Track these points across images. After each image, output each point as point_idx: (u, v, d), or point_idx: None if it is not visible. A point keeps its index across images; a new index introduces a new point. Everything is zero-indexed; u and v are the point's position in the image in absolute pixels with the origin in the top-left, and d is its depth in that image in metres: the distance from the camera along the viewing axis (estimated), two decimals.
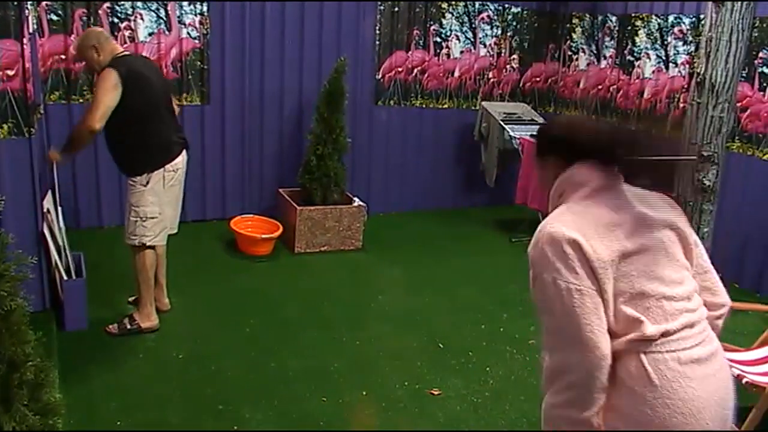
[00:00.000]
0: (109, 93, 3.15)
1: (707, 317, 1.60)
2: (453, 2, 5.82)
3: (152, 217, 3.39)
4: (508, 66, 6.30)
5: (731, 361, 2.99)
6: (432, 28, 5.80)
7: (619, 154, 1.65)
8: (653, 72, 5.47)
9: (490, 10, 6.03)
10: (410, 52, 5.78)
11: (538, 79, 6.53)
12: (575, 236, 1.48)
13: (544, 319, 1.54)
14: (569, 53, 6.44)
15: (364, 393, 3.11)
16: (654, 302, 1.49)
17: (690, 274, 1.61)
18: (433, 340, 3.67)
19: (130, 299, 3.79)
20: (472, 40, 6.02)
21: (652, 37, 5.47)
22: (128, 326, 3.50)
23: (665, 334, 1.47)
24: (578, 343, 1.45)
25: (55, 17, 4.52)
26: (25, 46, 3.28)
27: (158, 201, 3.38)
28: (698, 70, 4.68)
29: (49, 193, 3.86)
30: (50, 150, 3.66)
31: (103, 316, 3.61)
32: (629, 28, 5.68)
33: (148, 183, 3.34)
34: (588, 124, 1.71)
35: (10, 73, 3.26)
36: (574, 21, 6.35)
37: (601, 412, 1.50)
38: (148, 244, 3.43)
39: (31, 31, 3.73)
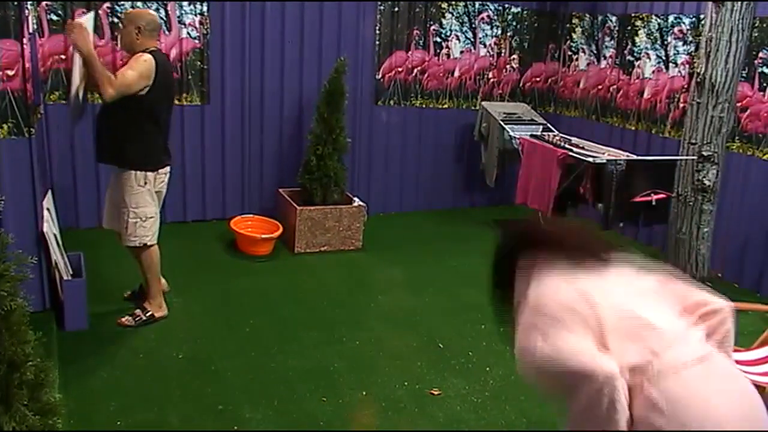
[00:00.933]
0: (140, 78, 3.22)
1: (718, 331, 1.59)
2: (453, 2, 5.82)
3: (150, 217, 3.45)
4: (508, 66, 6.29)
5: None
6: (432, 28, 5.80)
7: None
8: (653, 72, 5.47)
9: (490, 10, 6.03)
10: (410, 52, 5.78)
11: (538, 79, 6.53)
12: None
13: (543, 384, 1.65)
14: (569, 53, 6.44)
15: (364, 393, 3.11)
16: (639, 330, 1.51)
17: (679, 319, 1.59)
18: (433, 340, 3.67)
19: (126, 294, 3.84)
20: (472, 40, 6.02)
21: (652, 37, 5.47)
22: (143, 317, 3.58)
23: (656, 354, 1.47)
24: (579, 384, 1.45)
25: (55, 17, 4.52)
26: (25, 46, 3.28)
27: (153, 201, 3.46)
28: (698, 70, 4.68)
29: (49, 193, 3.86)
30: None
31: (103, 316, 3.62)
32: (629, 28, 5.68)
33: (146, 183, 3.38)
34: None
35: (10, 73, 3.25)
36: (574, 21, 6.35)
37: None
38: (149, 243, 3.48)
39: (31, 31, 3.73)
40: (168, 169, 3.54)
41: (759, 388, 2.77)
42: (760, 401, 1.51)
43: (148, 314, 3.59)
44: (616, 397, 1.41)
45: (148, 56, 3.27)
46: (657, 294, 1.60)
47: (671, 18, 5.30)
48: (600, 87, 6.04)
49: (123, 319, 3.56)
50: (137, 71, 3.22)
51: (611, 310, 1.52)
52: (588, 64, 6.19)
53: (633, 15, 5.65)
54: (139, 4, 4.72)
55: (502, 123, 5.63)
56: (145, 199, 3.39)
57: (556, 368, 1.47)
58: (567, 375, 1.45)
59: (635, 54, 5.64)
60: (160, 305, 3.65)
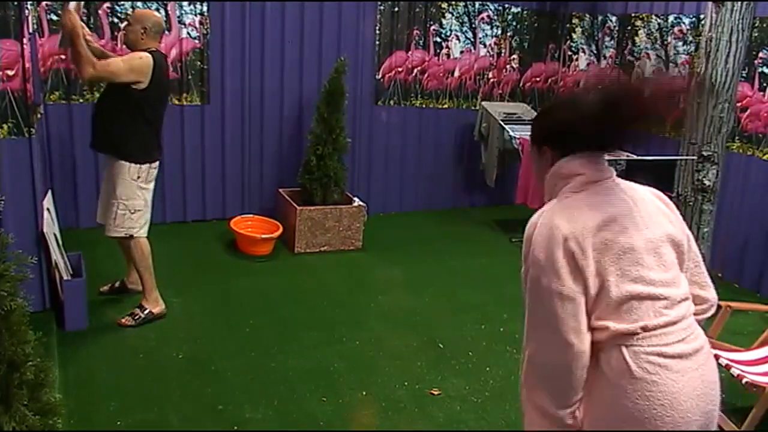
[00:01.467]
0: (129, 71, 3.30)
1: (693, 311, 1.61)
2: (453, 2, 5.82)
3: (139, 210, 3.52)
4: (508, 66, 6.29)
5: (731, 361, 3.00)
6: (432, 28, 5.80)
7: (613, 138, 1.61)
8: (653, 72, 5.46)
9: (490, 10, 6.03)
10: (410, 52, 5.78)
11: (538, 79, 6.53)
12: (564, 233, 1.49)
13: (527, 307, 1.62)
14: (569, 53, 6.44)
15: (364, 393, 3.11)
16: (636, 302, 1.49)
17: (679, 275, 1.60)
18: (433, 340, 3.67)
19: (103, 289, 3.89)
20: (472, 40, 6.02)
21: (652, 37, 5.47)
22: (142, 315, 3.60)
23: (646, 329, 1.48)
24: (554, 342, 1.50)
25: (55, 17, 4.51)
26: (25, 46, 3.28)
27: (143, 194, 3.52)
28: (698, 70, 4.68)
29: (49, 193, 3.86)
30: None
31: (103, 316, 3.62)
32: (629, 28, 5.68)
33: (138, 178, 3.45)
34: (581, 111, 1.60)
35: (10, 73, 3.26)
36: (574, 21, 6.35)
37: (581, 406, 1.53)
38: (135, 235, 3.54)
39: (31, 31, 3.73)
40: (158, 164, 3.62)
41: (759, 388, 2.78)
42: (717, 386, 1.58)
43: (146, 312, 3.61)
44: (574, 367, 1.49)
45: (145, 54, 3.36)
46: (664, 245, 1.59)
47: (671, 18, 5.30)
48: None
49: (123, 320, 3.57)
50: (128, 64, 3.32)
51: (620, 251, 1.51)
52: (588, 64, 6.19)
53: (633, 15, 5.65)
54: (139, 4, 4.72)
55: (502, 123, 5.63)
56: (134, 192, 3.47)
57: (542, 326, 1.54)
58: (548, 335, 1.52)
59: (635, 54, 5.64)
60: (156, 300, 3.68)
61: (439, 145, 6.12)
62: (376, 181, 5.90)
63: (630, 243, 1.51)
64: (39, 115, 3.89)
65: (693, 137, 4.72)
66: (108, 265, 4.21)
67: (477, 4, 5.94)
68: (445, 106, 6.06)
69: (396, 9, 5.63)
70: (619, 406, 1.47)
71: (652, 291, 1.50)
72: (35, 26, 4.26)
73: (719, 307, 3.27)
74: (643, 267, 1.51)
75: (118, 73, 3.29)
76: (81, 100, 4.70)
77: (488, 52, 6.13)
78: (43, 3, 4.47)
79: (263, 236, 4.75)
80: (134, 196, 3.47)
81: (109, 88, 3.46)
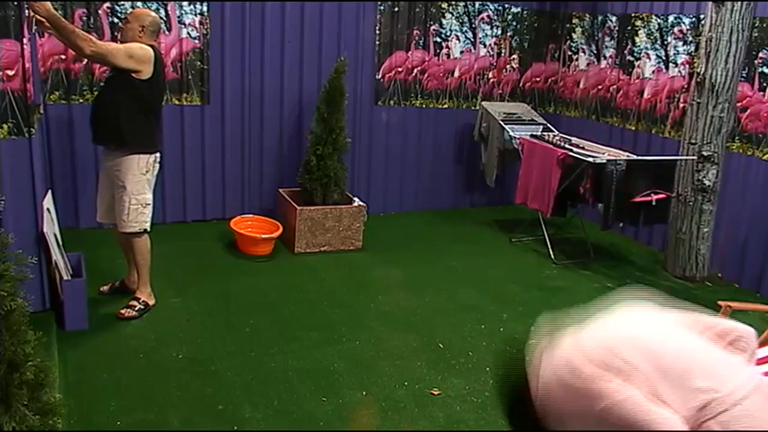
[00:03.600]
0: (126, 57, 3.37)
1: (749, 355, 1.58)
2: (453, 2, 5.82)
3: (149, 204, 3.58)
4: (508, 66, 6.30)
5: None
6: (432, 28, 5.80)
7: None
8: (653, 72, 5.47)
9: (490, 10, 6.03)
10: (410, 52, 5.78)
11: (538, 79, 6.53)
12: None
13: None
14: (569, 53, 6.44)
15: (364, 393, 3.11)
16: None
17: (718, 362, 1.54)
18: (433, 340, 3.67)
19: (103, 288, 3.89)
20: (472, 40, 6.02)
21: (652, 37, 5.47)
22: (140, 306, 3.67)
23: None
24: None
25: None
26: (25, 46, 3.28)
27: (150, 188, 3.59)
28: (698, 70, 4.68)
29: (49, 193, 3.86)
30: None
31: (103, 316, 3.62)
32: (629, 28, 5.68)
33: (147, 172, 3.51)
34: None
35: (10, 73, 3.25)
36: (574, 21, 6.35)
37: None
38: (148, 229, 3.61)
39: (31, 31, 3.73)
40: (159, 155, 3.66)
41: None
42: None
43: (143, 302, 3.68)
44: None
45: (145, 45, 3.44)
46: (687, 327, 1.56)
47: (671, 18, 5.30)
48: (600, 87, 6.05)
49: (123, 311, 3.61)
50: (127, 51, 3.38)
51: (655, 359, 1.49)
52: (588, 64, 6.19)
53: (633, 15, 5.65)
54: (139, 3, 4.72)
55: (502, 123, 5.64)
56: (144, 186, 3.52)
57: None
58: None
59: (635, 54, 5.64)
60: (150, 294, 3.74)
61: (439, 145, 6.12)
62: (376, 181, 5.90)
63: (654, 348, 1.49)
64: (39, 115, 3.88)
65: (693, 137, 4.72)
66: (108, 265, 4.21)
67: (477, 4, 5.94)
68: (445, 106, 6.06)
69: (396, 9, 5.63)
70: None
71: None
72: (35, 26, 4.25)
73: (719, 307, 3.27)
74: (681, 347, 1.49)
75: (116, 54, 3.35)
76: (81, 100, 4.70)
77: (488, 52, 6.13)
78: None
79: (263, 236, 4.75)
80: (144, 189, 3.53)
81: (111, 81, 3.50)
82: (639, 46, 5.59)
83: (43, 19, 3.28)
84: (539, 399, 1.56)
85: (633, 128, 5.68)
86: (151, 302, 3.73)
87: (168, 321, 3.66)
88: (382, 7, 5.57)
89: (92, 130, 3.58)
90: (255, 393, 3.03)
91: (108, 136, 3.52)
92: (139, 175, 3.49)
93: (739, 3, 4.40)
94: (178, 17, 4.88)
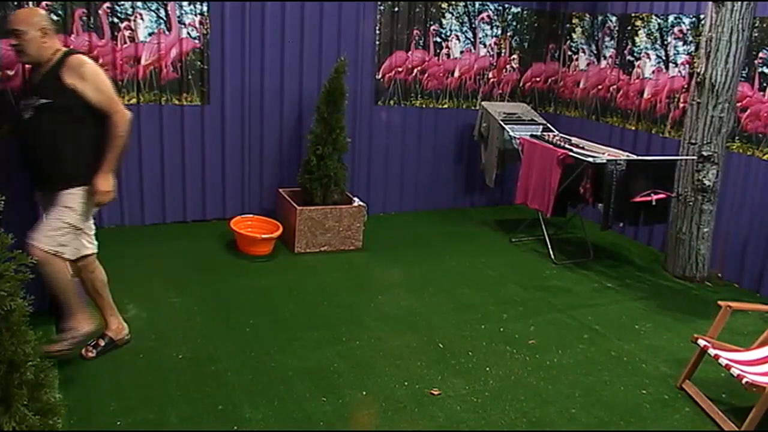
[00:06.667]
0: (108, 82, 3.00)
1: None
2: (453, 2, 5.83)
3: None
4: (508, 66, 6.30)
5: (731, 361, 3.00)
6: (432, 28, 5.80)
7: None
8: (653, 72, 5.47)
9: (490, 10, 6.03)
10: (410, 52, 5.78)
11: (538, 79, 6.53)
12: None
13: None
14: (569, 53, 6.44)
15: (364, 393, 3.11)
16: None
17: None
18: (433, 340, 3.67)
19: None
20: (472, 40, 6.02)
21: (652, 37, 5.47)
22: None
23: None
24: None
25: (55, 17, 4.51)
26: None
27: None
28: (698, 70, 4.68)
29: None
30: (97, 189, 3.07)
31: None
32: (629, 28, 5.68)
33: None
34: None
35: (10, 73, 3.25)
36: (574, 21, 6.35)
37: None
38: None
39: None
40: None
41: (759, 388, 2.78)
42: None
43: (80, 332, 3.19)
44: None
45: (88, 59, 2.96)
46: None
47: (671, 18, 5.30)
48: (600, 87, 6.05)
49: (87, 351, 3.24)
50: (104, 80, 2.96)
51: None
52: (588, 64, 6.19)
53: (633, 15, 5.65)
54: (138, 3, 4.73)
55: (502, 123, 5.64)
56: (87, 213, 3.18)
57: None
58: None
59: (635, 54, 5.64)
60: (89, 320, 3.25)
61: (439, 145, 6.12)
62: (376, 181, 5.90)
63: None
64: None
65: (693, 137, 4.72)
66: (108, 266, 4.20)
67: (477, 4, 5.94)
68: (445, 106, 6.06)
69: (396, 9, 5.63)
70: None
71: None
72: None
73: (719, 307, 3.28)
74: None
75: (115, 98, 3.00)
76: None
77: (488, 52, 6.14)
78: (44, 3, 4.46)
79: (263, 236, 4.75)
80: (88, 217, 3.19)
81: (44, 111, 2.88)
82: (639, 46, 5.59)
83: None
84: None
85: (633, 128, 5.68)
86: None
87: (168, 321, 3.66)
88: (382, 7, 5.57)
89: (37, 179, 3.16)
90: (255, 393, 3.03)
91: (56, 179, 3.06)
92: (83, 206, 3.13)
93: (739, 3, 4.40)
94: (178, 17, 4.88)
